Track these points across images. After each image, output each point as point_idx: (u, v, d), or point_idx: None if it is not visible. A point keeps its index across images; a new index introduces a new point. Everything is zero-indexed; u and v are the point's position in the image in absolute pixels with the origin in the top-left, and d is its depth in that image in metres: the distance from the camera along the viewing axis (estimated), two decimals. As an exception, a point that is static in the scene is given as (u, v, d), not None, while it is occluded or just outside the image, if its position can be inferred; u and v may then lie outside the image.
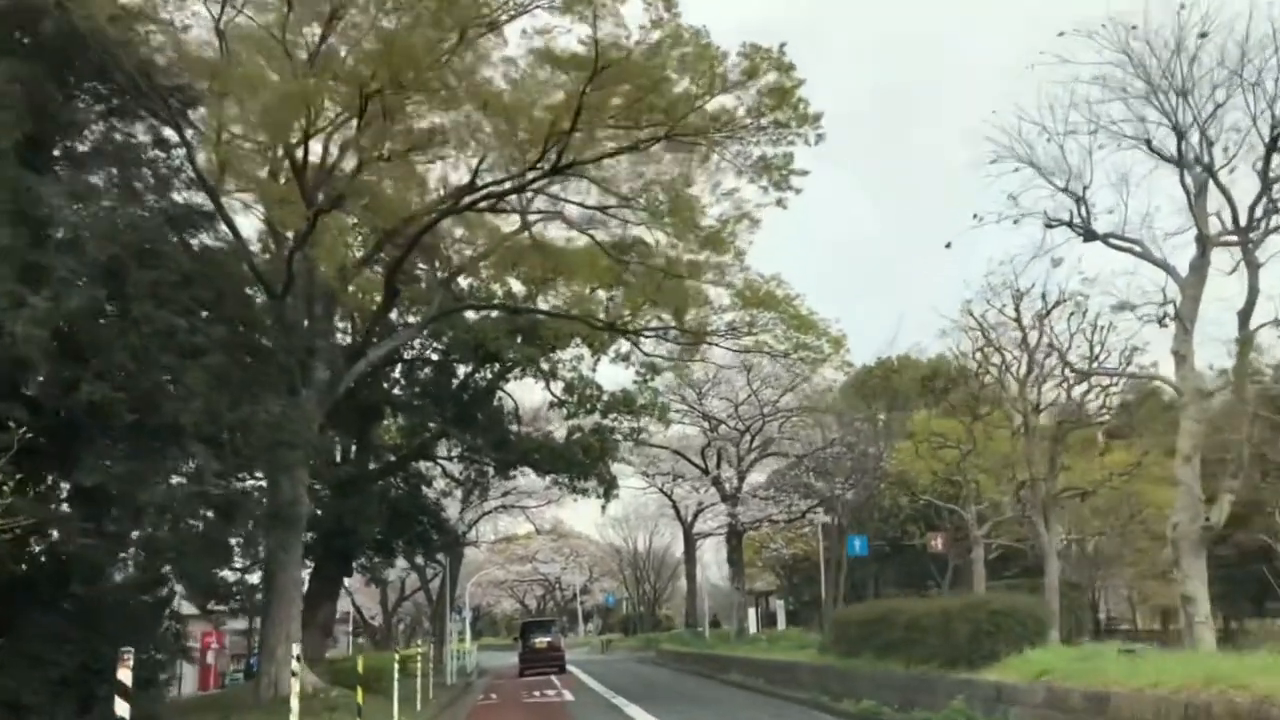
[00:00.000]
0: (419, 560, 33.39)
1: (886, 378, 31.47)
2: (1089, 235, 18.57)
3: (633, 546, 64.36)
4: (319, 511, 26.04)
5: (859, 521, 28.93)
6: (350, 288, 21.21)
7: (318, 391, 19.01)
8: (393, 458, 27.09)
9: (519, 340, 23.72)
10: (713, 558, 67.02)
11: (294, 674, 11.54)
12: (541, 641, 36.32)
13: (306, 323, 19.45)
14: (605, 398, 27.44)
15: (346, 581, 50.02)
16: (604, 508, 29.30)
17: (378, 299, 21.25)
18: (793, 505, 33.14)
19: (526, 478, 40.37)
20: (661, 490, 43.55)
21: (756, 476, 36.15)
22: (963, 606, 14.59)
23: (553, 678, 33.10)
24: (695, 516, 44.72)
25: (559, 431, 28.40)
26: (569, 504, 45.84)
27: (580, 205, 20.21)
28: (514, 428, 27.20)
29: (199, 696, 24.19)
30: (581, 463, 27.19)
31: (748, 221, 19.57)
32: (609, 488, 28.50)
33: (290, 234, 18.43)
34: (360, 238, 20.77)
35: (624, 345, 26.95)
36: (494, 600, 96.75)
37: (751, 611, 65.47)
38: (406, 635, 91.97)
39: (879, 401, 29.74)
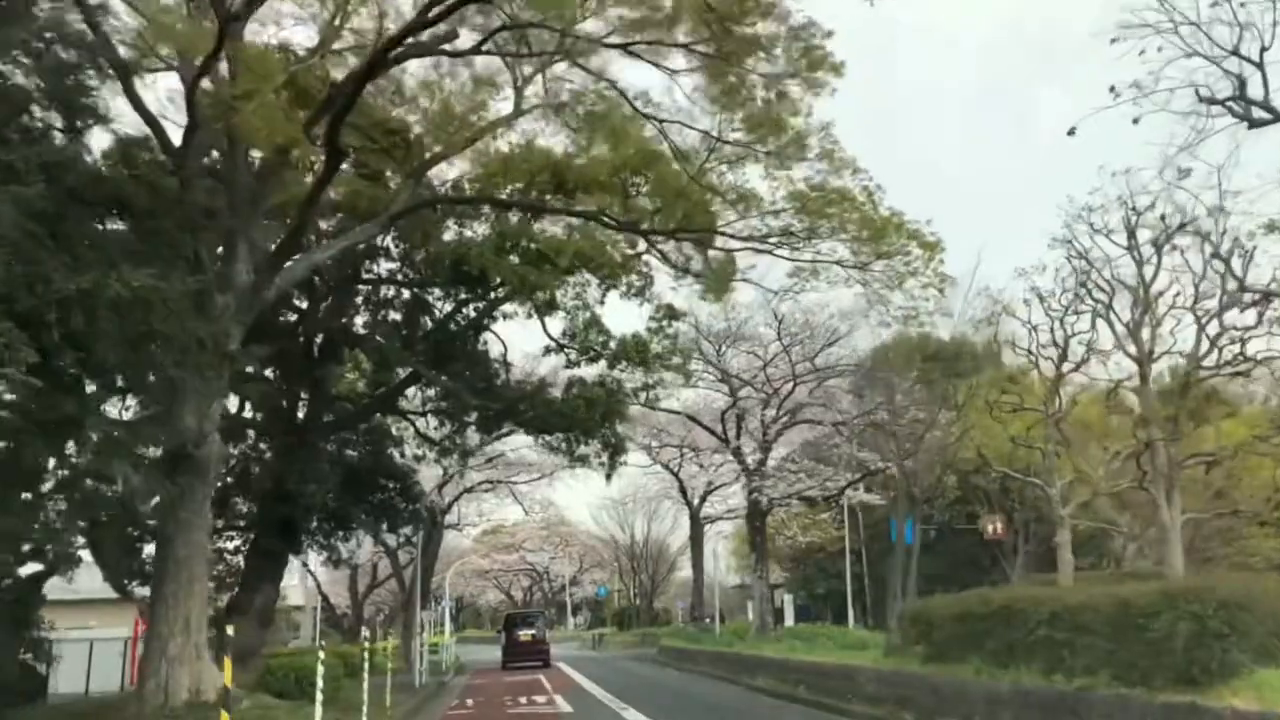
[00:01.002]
0: (386, 537, 28.60)
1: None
2: (1258, 120, 13.94)
3: (629, 533, 59.50)
4: (254, 470, 21.10)
5: (915, 499, 24.08)
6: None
7: (237, 296, 14.07)
8: (352, 407, 22.13)
9: (511, 259, 18.79)
10: (718, 548, 62.46)
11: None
12: (526, 634, 34.79)
13: (227, 207, 14.51)
14: (613, 344, 22.53)
15: (313, 565, 45.22)
16: (609, 476, 24.44)
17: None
18: (829, 480, 28.36)
19: (515, 450, 35.58)
20: (667, 467, 38.73)
21: (779, 452, 31.32)
22: (1170, 594, 9.80)
23: (541, 677, 28.34)
24: (704, 498, 39.93)
25: (556, 385, 23.47)
26: (562, 483, 41.23)
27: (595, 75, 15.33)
28: (502, 376, 22.27)
29: (77, 700, 19.22)
30: (583, 421, 22.29)
31: (811, 91, 14.67)
32: (615, 453, 23.62)
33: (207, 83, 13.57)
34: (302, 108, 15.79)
35: (638, 277, 22.12)
36: (478, 591, 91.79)
37: (751, 605, 61.04)
38: (385, 627, 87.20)
39: (936, 365, 24.85)
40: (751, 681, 23.18)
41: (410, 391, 24.00)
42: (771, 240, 16.93)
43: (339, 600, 52.47)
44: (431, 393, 23.04)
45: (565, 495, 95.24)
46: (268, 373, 20.62)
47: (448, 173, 20.81)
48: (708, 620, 41.18)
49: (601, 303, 22.19)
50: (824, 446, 28.91)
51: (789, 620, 52.46)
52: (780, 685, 20.83)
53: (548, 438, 24.06)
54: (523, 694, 22.44)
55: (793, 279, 18.85)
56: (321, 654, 12.82)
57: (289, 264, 15.39)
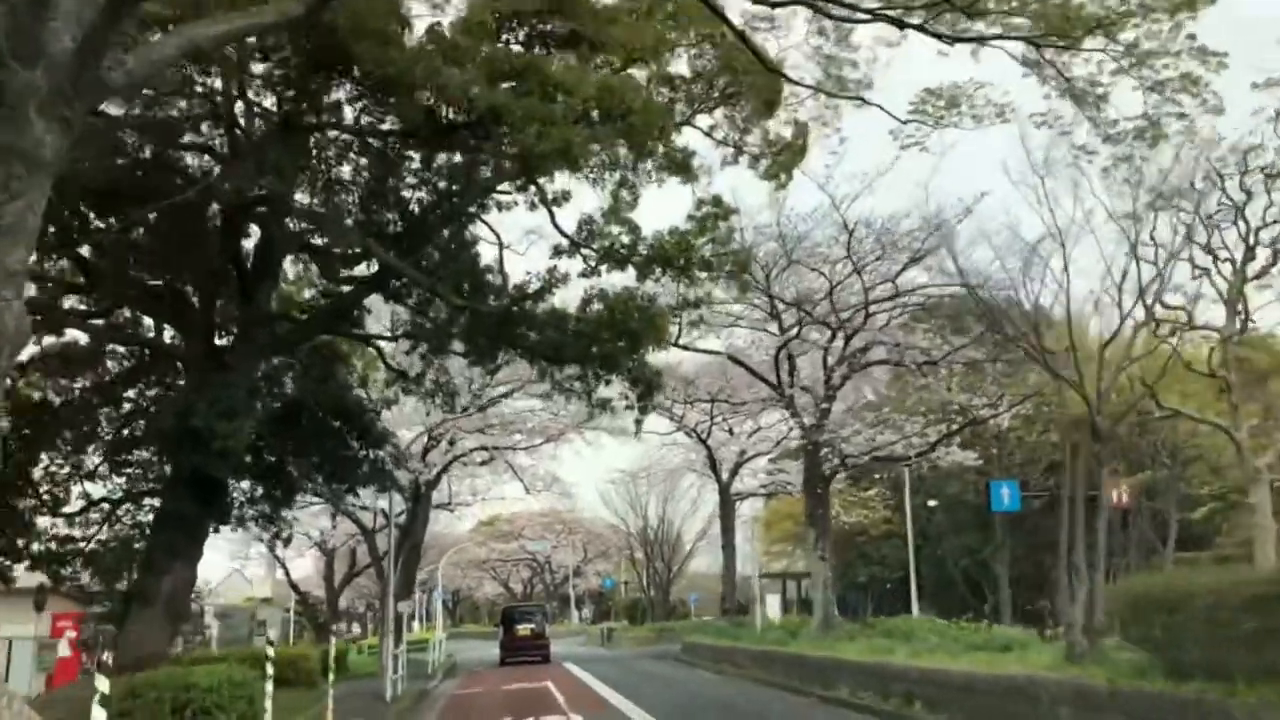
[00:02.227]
0: (356, 506, 22.98)
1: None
2: None
3: (643, 515, 53.51)
4: (151, 409, 15.31)
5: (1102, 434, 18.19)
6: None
7: (49, 71, 8.19)
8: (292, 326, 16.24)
9: (511, 88, 12.99)
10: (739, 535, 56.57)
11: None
12: (525, 629, 33.46)
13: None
14: (646, 245, 16.66)
15: (283, 550, 39.50)
16: (639, 424, 18.63)
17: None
18: (919, 433, 22.53)
19: (514, 412, 29.79)
20: (695, 434, 32.94)
21: (839, 406, 25.40)
22: None
23: (549, 684, 22.61)
24: (735, 471, 34.14)
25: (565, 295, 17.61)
26: (569, 450, 35.50)
27: None
28: (496, 283, 16.38)
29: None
30: (606, 345, 16.47)
31: None
32: (647, 391, 17.73)
33: None
34: None
35: (684, 136, 16.41)
36: (475, 583, 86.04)
37: (774, 599, 55.12)
38: (375, 622, 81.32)
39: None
40: (826, 692, 17.42)
41: (376, 312, 18.21)
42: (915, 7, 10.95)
43: (319, 592, 46.86)
44: (404, 311, 17.20)
45: (571, 470, 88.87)
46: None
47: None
48: (745, 615, 35.57)
49: (632, 174, 16.32)
50: (898, 395, 23.11)
51: (755, 613, 46.81)
52: (881, 702, 15.04)
53: (558, 375, 18.19)
54: (527, 713, 16.65)
55: (915, 116, 12.90)
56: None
57: (156, 39, 9.57)
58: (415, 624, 74.63)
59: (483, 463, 35.08)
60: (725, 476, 33.89)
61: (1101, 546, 11.67)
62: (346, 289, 16.14)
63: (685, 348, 22.77)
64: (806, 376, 24.58)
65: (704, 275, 17.21)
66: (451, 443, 30.12)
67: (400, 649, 22.41)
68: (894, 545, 43.06)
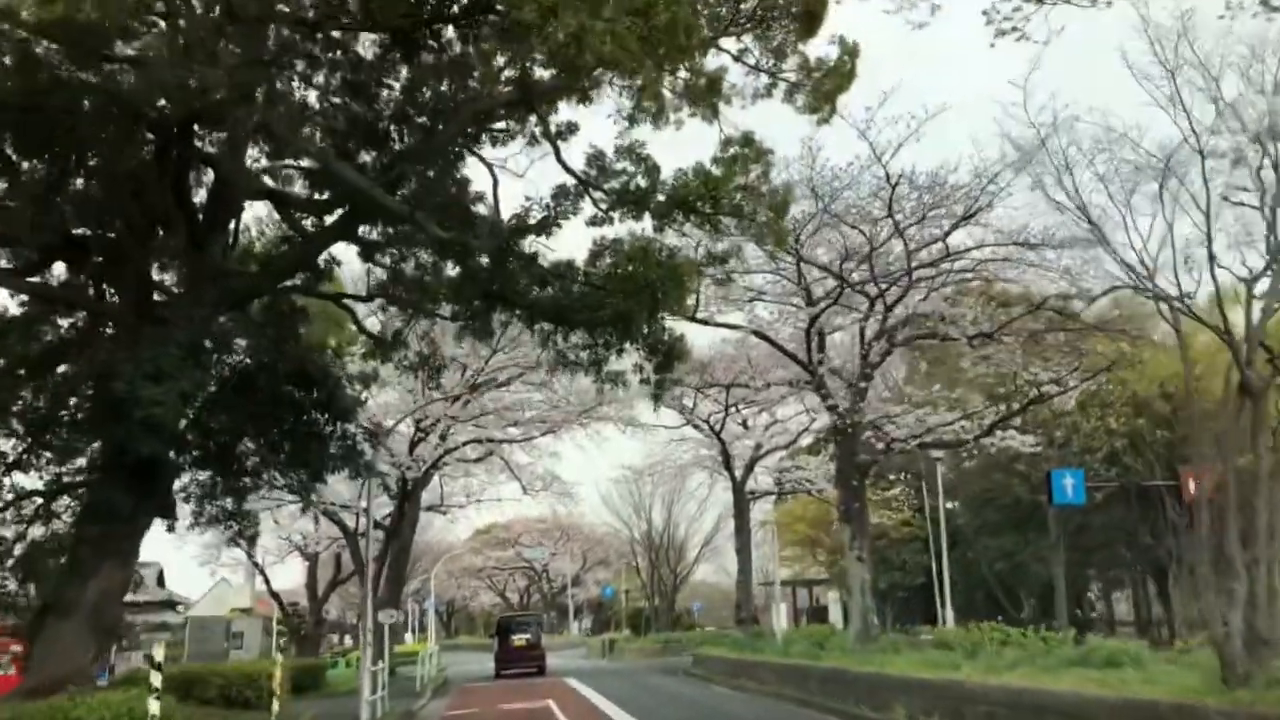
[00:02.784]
0: (330, 504, 20.45)
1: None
2: None
3: (646, 519, 50.68)
4: (62, 368, 12.68)
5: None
6: None
7: None
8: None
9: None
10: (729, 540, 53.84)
11: None
12: (520, 639, 33.02)
13: None
14: (666, 188, 14.09)
15: (265, 556, 36.71)
16: (656, 401, 16.06)
17: None
18: (980, 413, 19.85)
19: (508, 393, 27.15)
20: (709, 426, 30.31)
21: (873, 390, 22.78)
22: None
23: (550, 704, 19.97)
24: (750, 467, 31.50)
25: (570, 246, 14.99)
26: (569, 445, 32.79)
27: None
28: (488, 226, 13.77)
29: None
30: (621, 305, 13.90)
31: None
32: (667, 360, 15.14)
33: None
34: None
35: (714, 57, 13.89)
36: (470, 593, 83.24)
37: (783, 608, 52.37)
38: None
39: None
40: (878, 715, 14.79)
41: (348, 269, 15.62)
42: None
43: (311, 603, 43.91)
44: (382, 273, 14.60)
45: (571, 470, 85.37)
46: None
47: None
48: (773, 627, 32.76)
49: (649, 112, 13.77)
50: (934, 375, 20.49)
51: (837, 620, 44.10)
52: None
53: (562, 343, 15.60)
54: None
55: None
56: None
57: None
58: (408, 635, 71.94)
59: (477, 459, 32.39)
60: (739, 474, 31.21)
61: (1263, 534, 9.05)
62: (312, 233, 13.51)
63: (705, 322, 20.15)
64: (836, 356, 21.98)
65: (733, 223, 14.62)
66: (443, 437, 27.45)
67: (382, 665, 19.69)
68: (914, 549, 40.44)
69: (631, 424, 28.73)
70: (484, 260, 12.88)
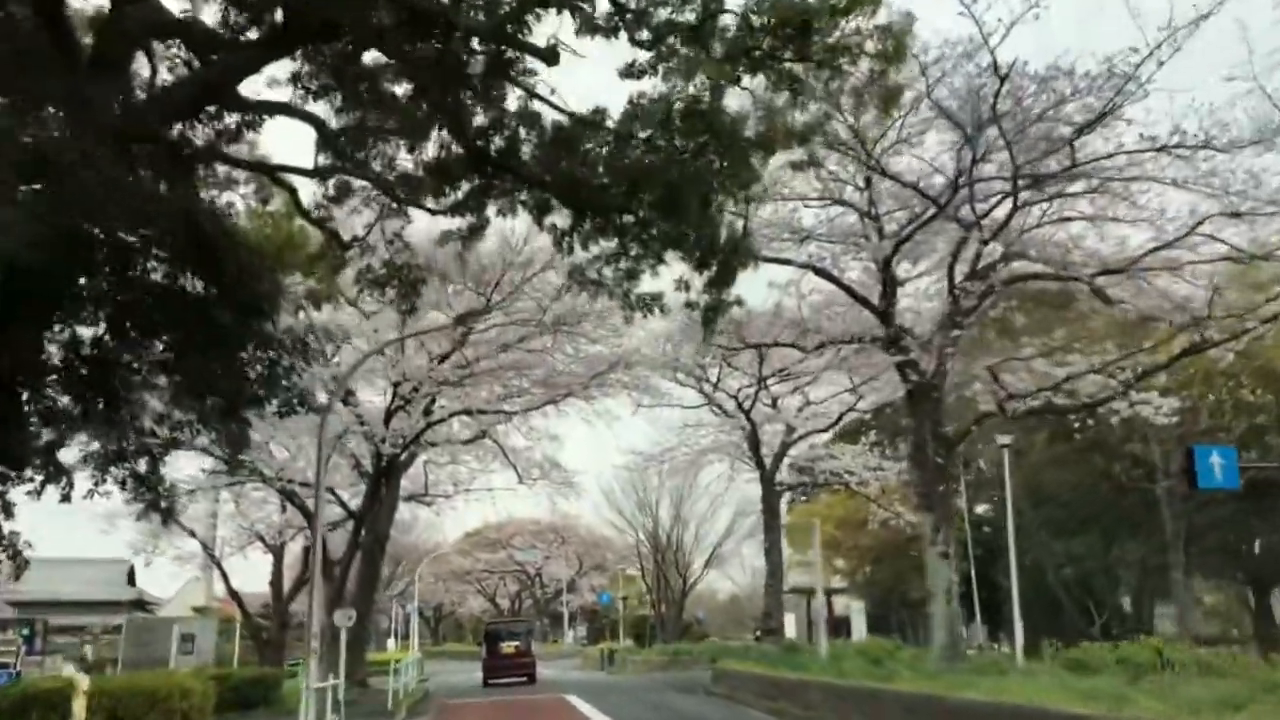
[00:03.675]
0: (285, 481, 15.95)
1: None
2: None
3: (653, 516, 46.18)
4: None
5: None
6: None
7: None
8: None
9: None
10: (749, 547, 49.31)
11: None
12: (509, 646, 32.09)
13: None
14: (734, 26, 9.97)
15: (221, 547, 32.42)
16: (708, 326, 11.93)
17: None
18: (1118, 365, 15.62)
19: (506, 358, 22.93)
20: (735, 404, 26.16)
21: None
22: None
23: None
24: (781, 454, 27.33)
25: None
26: (571, 436, 28.49)
27: None
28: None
29: None
30: (666, 183, 9.80)
31: None
32: (725, 273, 11.05)
33: None
34: None
35: None
36: (458, 598, 78.78)
37: (790, 618, 48.11)
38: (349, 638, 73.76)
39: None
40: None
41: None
42: None
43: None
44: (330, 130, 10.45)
45: (573, 457, 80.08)
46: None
47: None
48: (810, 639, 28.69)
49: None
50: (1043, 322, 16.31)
51: (859, 633, 39.97)
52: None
53: (580, 250, 11.47)
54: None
55: None
56: None
57: None
58: (390, 641, 67.50)
59: (467, 441, 28.15)
60: (768, 462, 27.04)
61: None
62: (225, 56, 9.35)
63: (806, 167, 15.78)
64: (908, 308, 17.89)
65: (829, 74, 10.43)
66: (427, 411, 23.21)
67: (334, 679, 15.52)
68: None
69: (647, 394, 24.60)
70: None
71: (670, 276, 12.03)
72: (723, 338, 20.64)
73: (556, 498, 31.85)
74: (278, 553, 31.69)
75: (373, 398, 22.26)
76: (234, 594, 31.19)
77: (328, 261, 11.72)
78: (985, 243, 15.82)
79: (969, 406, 17.21)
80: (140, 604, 40.70)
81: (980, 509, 37.17)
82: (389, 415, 21.60)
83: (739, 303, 11.81)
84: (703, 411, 29.24)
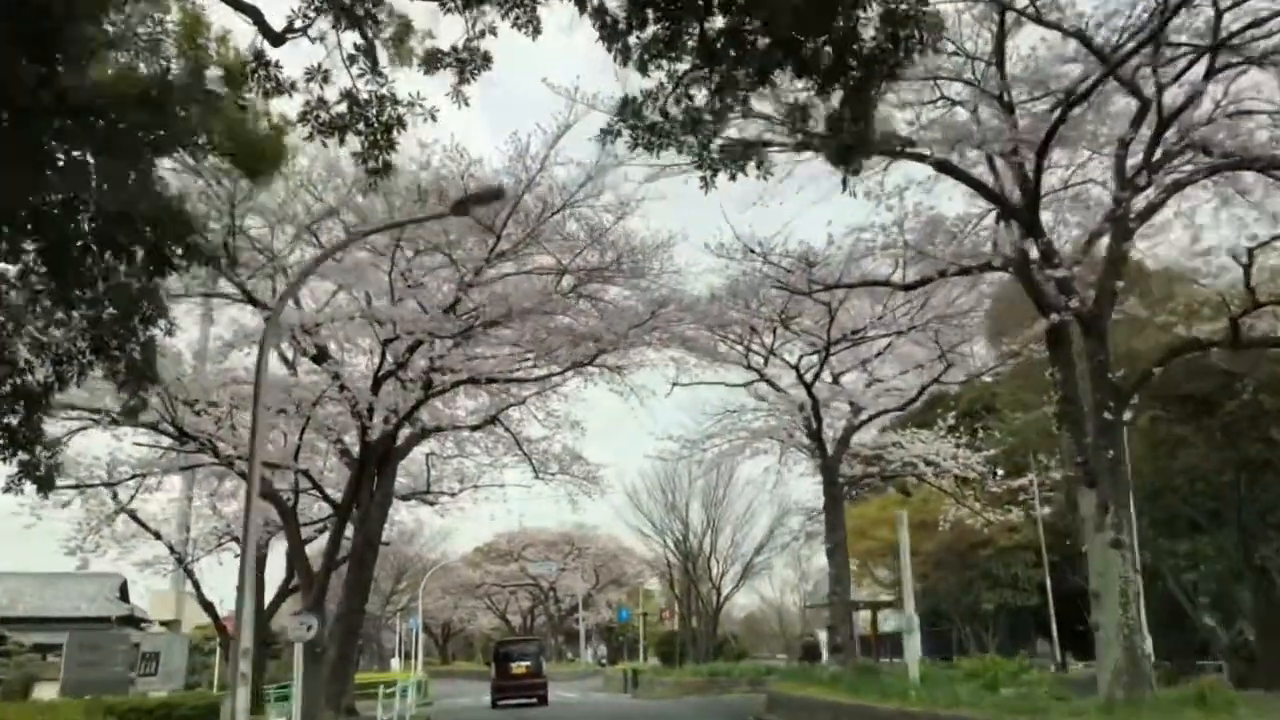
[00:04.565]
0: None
1: None
2: None
3: (683, 520, 41.65)
4: None
5: None
6: None
7: None
8: None
9: None
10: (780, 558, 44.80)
11: None
12: (520, 666, 31.30)
13: None
14: None
15: (191, 550, 28.20)
16: (846, 160, 7.86)
17: None
18: None
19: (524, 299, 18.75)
20: (795, 375, 21.90)
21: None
22: None
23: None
24: (845, 441, 23.05)
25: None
26: (594, 421, 24.20)
27: None
28: None
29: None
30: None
31: None
32: (869, 80, 7.01)
33: None
34: None
35: None
36: (467, 614, 74.44)
37: (822, 636, 43.55)
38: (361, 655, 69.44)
39: None
40: None
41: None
42: None
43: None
44: None
45: (599, 452, 74.52)
46: None
47: None
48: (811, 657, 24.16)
49: None
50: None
51: (913, 654, 35.58)
52: None
53: (631, 53, 7.37)
54: None
55: None
56: None
57: None
58: (394, 661, 63.18)
59: (475, 427, 23.99)
60: (831, 448, 22.75)
61: None
62: None
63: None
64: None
65: None
66: (427, 386, 18.98)
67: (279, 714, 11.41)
68: (1025, 561, 31.91)
69: (690, 354, 20.39)
70: None
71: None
72: (797, 275, 16.49)
73: (578, 496, 27.51)
74: (259, 559, 27.51)
75: (356, 359, 18.16)
76: (207, 605, 26.98)
77: (257, 82, 7.62)
78: (1165, 124, 11.66)
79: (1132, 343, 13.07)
80: (132, 620, 36.75)
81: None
82: (378, 381, 17.46)
83: (877, 142, 7.68)
84: (748, 394, 25.01)
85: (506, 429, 25.06)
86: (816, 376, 21.45)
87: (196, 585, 27.04)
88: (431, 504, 28.92)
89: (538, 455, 26.19)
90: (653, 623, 61.40)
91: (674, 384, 23.97)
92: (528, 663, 31.13)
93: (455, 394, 22.28)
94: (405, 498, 28.02)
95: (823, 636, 46.21)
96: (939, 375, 21.32)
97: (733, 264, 17.75)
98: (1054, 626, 30.49)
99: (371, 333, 17.03)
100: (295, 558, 19.74)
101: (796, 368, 21.18)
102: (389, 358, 17.35)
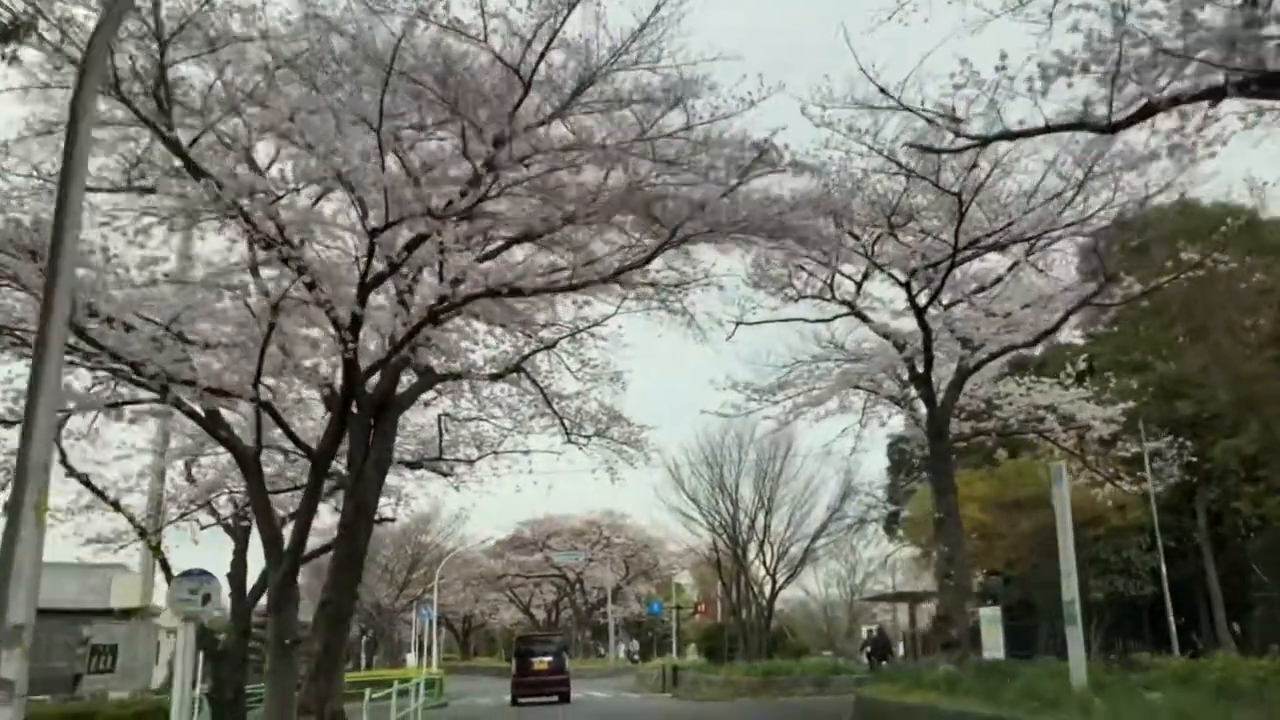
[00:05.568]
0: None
1: None
2: None
3: (732, 499, 36.77)
4: None
5: None
6: None
7: None
8: None
9: None
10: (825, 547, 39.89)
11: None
12: (541, 662, 30.36)
13: None
14: None
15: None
16: None
17: None
18: None
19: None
20: (906, 296, 17.25)
21: None
22: None
23: None
24: (958, 387, 18.44)
25: None
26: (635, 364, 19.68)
27: None
28: None
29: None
30: None
31: None
32: None
33: None
34: None
35: None
36: (489, 608, 70.39)
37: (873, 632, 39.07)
38: (370, 649, 65.33)
39: None
40: None
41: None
42: None
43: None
44: None
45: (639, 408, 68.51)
46: None
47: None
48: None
49: None
50: None
51: (990, 650, 30.91)
52: None
53: None
54: None
55: None
56: None
57: None
58: (409, 656, 59.07)
59: (495, 377, 19.52)
60: (941, 394, 18.17)
61: None
62: None
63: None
64: None
65: None
66: (432, 319, 14.43)
67: None
68: (1140, 544, 27.14)
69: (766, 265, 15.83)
70: None
71: None
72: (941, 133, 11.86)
73: (618, 464, 22.98)
74: (240, 535, 23.24)
75: (330, 252, 13.62)
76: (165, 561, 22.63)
77: None
78: None
79: None
80: (134, 612, 32.93)
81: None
82: (365, 286, 13.02)
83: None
84: (820, 344, 20.50)
85: (533, 381, 20.65)
86: (932, 299, 16.82)
87: (166, 567, 22.76)
88: (445, 474, 24.41)
89: (570, 416, 21.80)
90: (684, 617, 57.14)
91: (737, 323, 19.54)
92: (550, 659, 30.58)
93: (469, 328, 17.88)
94: (414, 465, 23.55)
95: (867, 630, 41.57)
96: (1090, 296, 16.61)
97: (835, 136, 13.25)
98: (1171, 619, 25.88)
99: (355, 213, 12.59)
100: (259, 518, 15.39)
101: (907, 284, 16.47)
102: (378, 260, 12.88)
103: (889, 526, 40.20)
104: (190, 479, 22.60)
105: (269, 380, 14.13)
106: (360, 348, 14.16)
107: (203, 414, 14.59)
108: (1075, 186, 14.56)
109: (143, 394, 13.82)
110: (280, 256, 11.56)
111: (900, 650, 35.32)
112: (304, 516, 14.81)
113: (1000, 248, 15.92)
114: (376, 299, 13.80)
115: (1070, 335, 21.05)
